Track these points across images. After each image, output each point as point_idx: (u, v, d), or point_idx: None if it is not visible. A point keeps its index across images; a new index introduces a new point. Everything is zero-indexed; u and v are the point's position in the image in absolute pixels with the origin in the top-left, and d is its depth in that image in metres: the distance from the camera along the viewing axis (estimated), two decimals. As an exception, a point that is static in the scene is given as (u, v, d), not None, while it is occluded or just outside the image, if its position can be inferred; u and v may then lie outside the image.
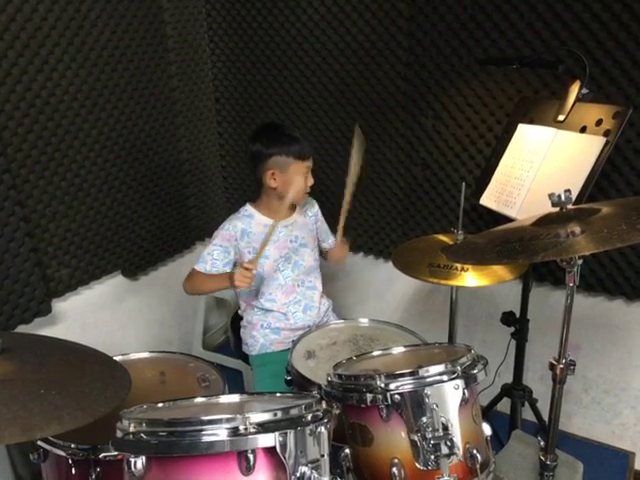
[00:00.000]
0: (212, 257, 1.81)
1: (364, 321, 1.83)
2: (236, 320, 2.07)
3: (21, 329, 1.84)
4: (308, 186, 1.83)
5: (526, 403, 2.07)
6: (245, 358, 2.03)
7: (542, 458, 1.39)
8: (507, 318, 1.96)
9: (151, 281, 2.42)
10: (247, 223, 1.85)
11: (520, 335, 1.96)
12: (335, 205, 1.85)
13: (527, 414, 2.09)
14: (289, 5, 2.21)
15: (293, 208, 1.94)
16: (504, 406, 2.11)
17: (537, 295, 2.04)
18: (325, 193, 2.39)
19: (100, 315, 2.20)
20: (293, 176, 1.78)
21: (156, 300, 2.47)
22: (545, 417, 2.02)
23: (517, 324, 1.95)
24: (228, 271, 1.81)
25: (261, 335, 1.92)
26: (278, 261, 1.88)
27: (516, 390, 2.04)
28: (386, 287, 2.50)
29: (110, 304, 2.24)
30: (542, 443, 1.40)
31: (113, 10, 1.99)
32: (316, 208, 2.02)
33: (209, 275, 1.80)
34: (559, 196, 1.22)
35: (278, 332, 1.91)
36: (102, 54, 1.98)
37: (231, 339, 2.22)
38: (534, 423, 2.08)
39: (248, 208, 1.89)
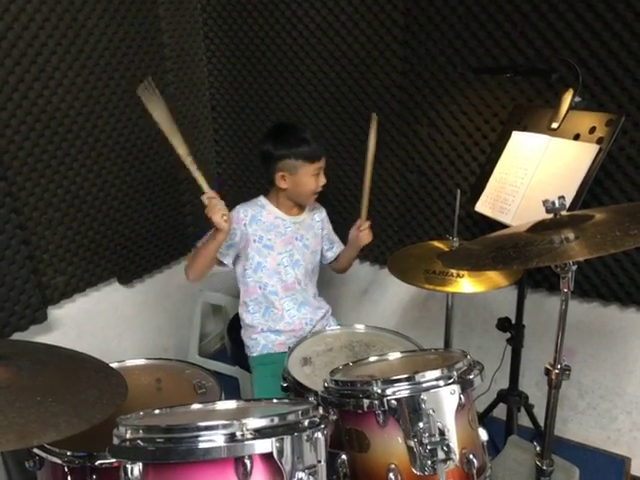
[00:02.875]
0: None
1: (360, 327, 1.84)
2: (233, 327, 2.07)
3: (16, 336, 1.83)
4: (320, 185, 1.84)
5: (522, 409, 2.07)
6: (242, 365, 2.03)
7: (538, 463, 1.39)
8: (503, 324, 1.96)
9: (147, 288, 2.42)
10: (258, 211, 1.87)
11: (516, 341, 1.97)
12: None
13: (523, 420, 2.10)
14: (285, 14, 2.23)
15: (303, 208, 1.94)
16: (500, 412, 2.11)
17: (532, 301, 2.05)
18: (322, 200, 2.40)
19: (96, 322, 2.20)
20: (303, 178, 1.79)
21: (152, 307, 2.47)
22: (541, 423, 2.02)
23: (513, 330, 1.95)
24: (231, 252, 1.82)
25: (262, 337, 1.92)
26: (282, 255, 1.89)
27: (512, 396, 2.04)
28: (382, 294, 2.51)
29: (106, 311, 2.24)
30: (538, 448, 1.40)
31: (110, 18, 2.00)
32: (324, 214, 2.03)
33: (200, 244, 1.77)
34: (553, 203, 1.23)
35: (279, 333, 1.92)
36: (99, 62, 1.99)
37: (227, 346, 2.22)
38: (530, 429, 2.08)
39: (261, 199, 1.91)
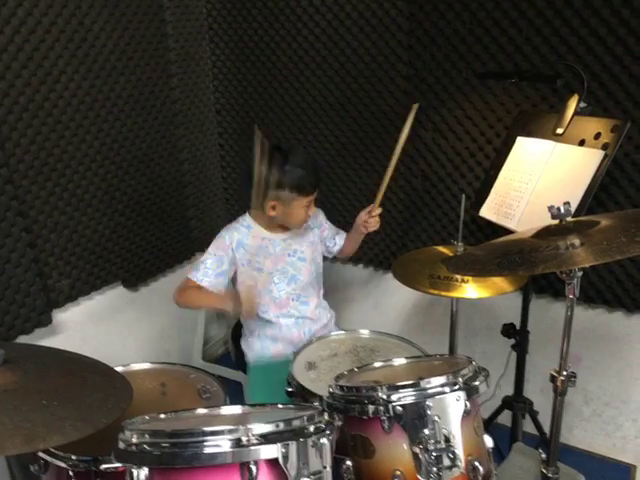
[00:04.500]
0: (205, 266, 1.78)
1: (365, 332, 1.83)
2: (237, 331, 2.07)
3: (21, 340, 1.84)
4: (309, 215, 1.81)
5: (527, 415, 2.06)
6: (245, 370, 2.03)
7: (544, 470, 1.39)
8: (507, 330, 1.95)
9: (151, 292, 2.42)
10: (244, 234, 1.83)
11: (520, 347, 1.96)
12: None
13: (528, 426, 2.09)
14: (290, 19, 2.23)
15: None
16: (505, 418, 2.10)
17: (537, 307, 2.04)
18: (326, 205, 2.40)
19: (100, 326, 2.20)
20: (295, 209, 1.75)
21: (156, 311, 2.47)
22: (546, 429, 2.01)
23: (517, 336, 1.95)
24: (221, 281, 1.78)
25: (260, 345, 1.92)
26: (274, 274, 1.86)
27: (517, 402, 2.03)
28: (386, 299, 2.50)
29: (110, 315, 2.24)
30: (544, 455, 1.39)
31: (116, 23, 2.01)
32: (320, 217, 1.98)
33: (204, 292, 1.75)
34: (558, 209, 1.23)
35: (276, 341, 1.91)
36: (105, 66, 2.00)
37: (232, 350, 2.21)
38: (535, 435, 2.07)
39: (247, 218, 1.86)
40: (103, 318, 2.21)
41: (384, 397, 1.14)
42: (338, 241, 2.03)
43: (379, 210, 1.87)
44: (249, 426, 0.92)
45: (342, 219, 2.41)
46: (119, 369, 1.43)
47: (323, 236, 2.00)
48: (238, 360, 2.08)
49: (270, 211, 1.75)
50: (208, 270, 1.77)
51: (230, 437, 0.91)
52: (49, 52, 1.81)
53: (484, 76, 1.92)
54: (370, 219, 1.87)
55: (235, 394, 2.25)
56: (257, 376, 1.88)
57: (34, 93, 1.79)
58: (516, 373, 2.01)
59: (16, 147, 1.76)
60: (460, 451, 1.12)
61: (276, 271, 1.86)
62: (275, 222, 1.83)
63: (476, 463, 1.13)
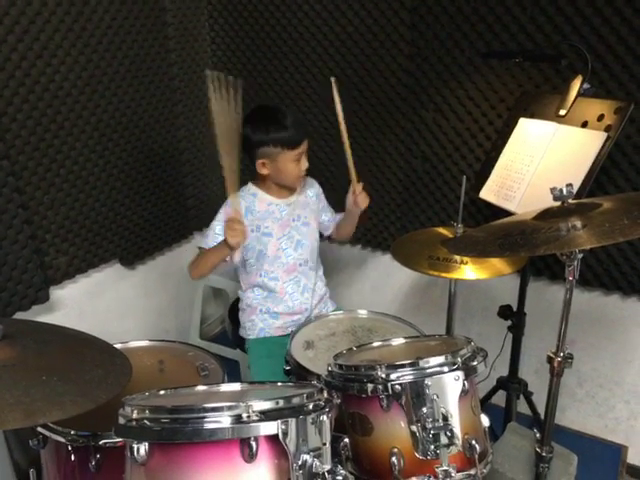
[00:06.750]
0: (214, 232, 1.80)
1: (363, 312, 1.84)
2: (234, 310, 2.08)
3: (19, 316, 1.83)
4: (302, 170, 1.81)
5: (521, 396, 2.08)
6: (242, 348, 2.03)
7: (538, 450, 1.41)
8: (504, 311, 1.96)
9: (149, 270, 2.42)
10: (251, 201, 1.85)
11: (517, 329, 1.97)
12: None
13: (521, 407, 2.11)
14: (291, -6, 2.19)
15: (292, 190, 1.93)
16: (499, 399, 2.12)
17: (533, 289, 2.05)
18: (329, 180, 2.38)
19: (97, 303, 2.20)
20: (284, 164, 1.76)
21: (153, 289, 2.47)
22: (540, 410, 2.03)
23: (514, 318, 1.96)
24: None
25: (260, 319, 1.92)
26: (281, 239, 1.88)
27: (512, 383, 2.05)
28: (383, 279, 2.51)
29: (108, 292, 2.24)
30: (538, 435, 1.41)
31: (114, -4, 1.97)
32: (316, 187, 2.00)
33: (208, 250, 1.79)
34: (561, 190, 1.23)
35: (277, 316, 1.91)
36: (102, 41, 1.96)
37: (228, 329, 2.22)
38: (528, 416, 2.10)
39: (251, 187, 1.89)
40: (100, 295, 2.20)
41: (383, 376, 1.14)
42: (331, 217, 2.04)
43: (361, 185, 1.85)
44: (249, 403, 0.92)
45: (341, 195, 2.40)
46: (118, 346, 1.43)
47: (320, 208, 2.01)
48: (235, 339, 2.09)
49: (262, 169, 1.79)
50: (217, 236, 1.78)
51: (230, 413, 0.91)
52: (45, 25, 1.77)
53: (487, 55, 1.90)
54: (358, 198, 1.85)
55: (231, 373, 2.27)
56: (260, 350, 1.89)
57: (30, 67, 1.75)
58: (511, 354, 2.03)
59: (12, 122, 1.73)
60: (458, 429, 1.13)
61: (283, 236, 1.88)
62: (272, 182, 1.84)
63: (473, 441, 1.14)
